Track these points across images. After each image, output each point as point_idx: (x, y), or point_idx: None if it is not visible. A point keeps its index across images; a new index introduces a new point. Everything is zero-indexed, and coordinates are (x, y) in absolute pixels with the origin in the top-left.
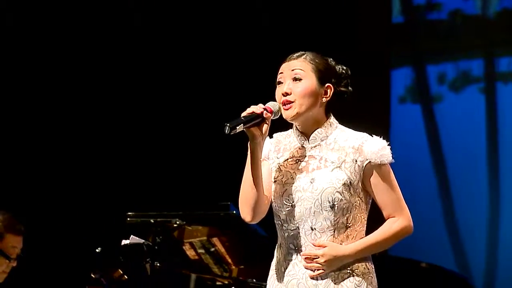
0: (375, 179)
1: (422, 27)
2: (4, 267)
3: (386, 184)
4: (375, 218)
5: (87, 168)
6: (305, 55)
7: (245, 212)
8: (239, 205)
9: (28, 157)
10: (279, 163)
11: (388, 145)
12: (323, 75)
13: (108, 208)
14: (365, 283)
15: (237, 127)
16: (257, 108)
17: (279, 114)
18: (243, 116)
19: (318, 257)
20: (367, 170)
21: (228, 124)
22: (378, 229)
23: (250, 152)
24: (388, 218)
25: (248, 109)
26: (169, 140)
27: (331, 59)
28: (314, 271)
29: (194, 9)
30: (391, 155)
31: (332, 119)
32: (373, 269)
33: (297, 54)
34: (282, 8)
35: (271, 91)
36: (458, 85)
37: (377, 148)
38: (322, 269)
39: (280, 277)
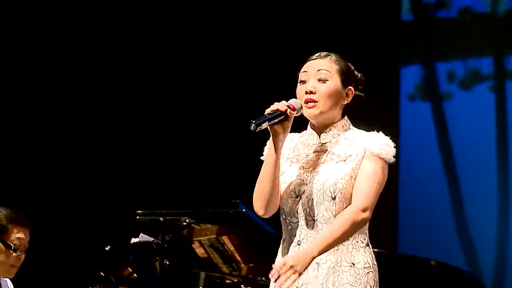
0: (364, 166)
1: (432, 25)
2: (12, 261)
3: (371, 175)
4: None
5: (96, 166)
6: (330, 55)
7: (259, 206)
8: (254, 199)
9: (38, 155)
10: (289, 159)
11: (394, 147)
12: (346, 77)
13: (118, 207)
14: (365, 278)
15: (263, 125)
16: (281, 106)
17: (300, 112)
18: (268, 113)
19: (287, 264)
20: (364, 158)
21: (254, 121)
22: (335, 222)
23: (271, 148)
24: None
25: (272, 106)
26: (178, 138)
27: (349, 63)
28: (292, 282)
29: (194, 9)
30: (392, 155)
31: (346, 120)
32: (375, 267)
33: (321, 53)
34: (287, 7)
35: (271, 90)
36: (468, 83)
37: (380, 142)
38: (294, 271)
39: None
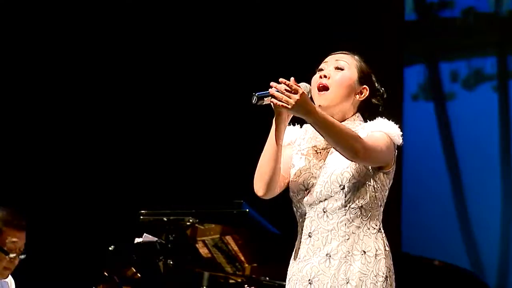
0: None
1: (435, 24)
2: (5, 263)
3: (378, 137)
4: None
5: (100, 166)
6: (353, 53)
7: (259, 185)
8: (254, 179)
9: (42, 155)
10: (301, 151)
11: (398, 127)
12: (364, 76)
13: (122, 206)
14: (377, 265)
15: (265, 99)
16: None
17: (308, 96)
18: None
19: (297, 93)
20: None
21: (255, 94)
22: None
23: (274, 128)
24: None
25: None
26: (182, 138)
27: (373, 74)
28: (279, 101)
29: (194, 8)
30: (398, 135)
31: (358, 116)
32: (388, 252)
33: (345, 51)
34: (291, 7)
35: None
36: (471, 83)
37: (383, 123)
38: (287, 104)
39: (297, 264)
